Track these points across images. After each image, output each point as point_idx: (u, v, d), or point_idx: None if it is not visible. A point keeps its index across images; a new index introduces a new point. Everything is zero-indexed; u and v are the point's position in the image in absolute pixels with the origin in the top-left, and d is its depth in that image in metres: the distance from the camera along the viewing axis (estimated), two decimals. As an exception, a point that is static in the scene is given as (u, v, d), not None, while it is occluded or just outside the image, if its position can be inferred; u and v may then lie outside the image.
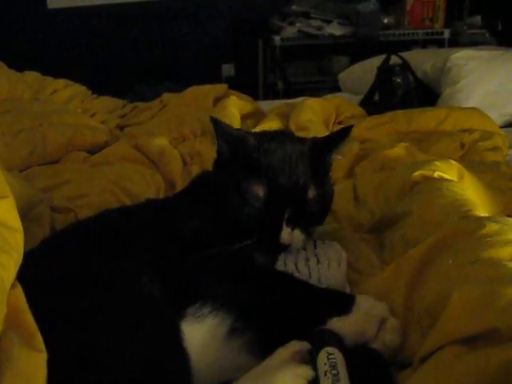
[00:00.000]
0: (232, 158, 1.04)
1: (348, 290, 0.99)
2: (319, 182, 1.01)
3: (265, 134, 1.10)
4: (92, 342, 0.73)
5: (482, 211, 1.08)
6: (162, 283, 0.85)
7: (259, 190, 0.97)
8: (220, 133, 1.05)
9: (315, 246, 1.04)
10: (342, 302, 0.85)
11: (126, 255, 0.90)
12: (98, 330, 0.74)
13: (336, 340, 0.77)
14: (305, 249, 1.01)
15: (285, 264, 0.99)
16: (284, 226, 0.96)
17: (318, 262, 0.98)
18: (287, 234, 0.96)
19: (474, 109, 2.12)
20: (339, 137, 1.06)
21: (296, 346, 0.79)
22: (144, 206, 1.14)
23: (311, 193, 0.99)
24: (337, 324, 0.81)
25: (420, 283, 0.86)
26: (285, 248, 0.98)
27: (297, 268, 0.98)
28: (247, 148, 1.01)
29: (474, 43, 3.87)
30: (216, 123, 1.05)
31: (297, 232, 0.98)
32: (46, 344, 0.66)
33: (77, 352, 0.71)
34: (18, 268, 0.77)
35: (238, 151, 1.03)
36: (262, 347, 0.81)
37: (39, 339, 0.66)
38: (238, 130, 1.10)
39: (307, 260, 0.99)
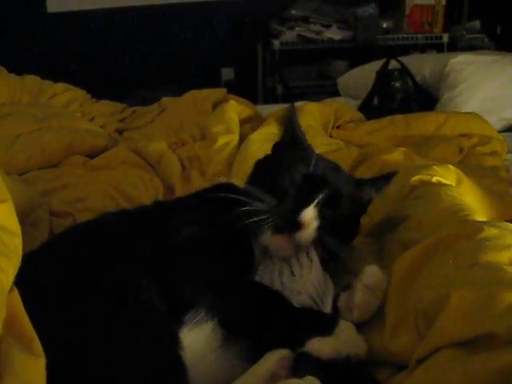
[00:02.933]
0: (289, 149, 1.10)
1: (330, 289, 0.96)
2: (354, 206, 1.05)
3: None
4: (91, 348, 0.73)
5: (480, 216, 1.08)
6: (160, 289, 0.85)
7: (306, 169, 1.01)
8: (292, 125, 1.14)
9: None
10: (323, 324, 0.84)
11: (124, 260, 0.90)
12: (98, 336, 0.74)
13: (315, 367, 0.78)
14: (272, 261, 0.98)
15: (261, 279, 0.96)
16: (313, 205, 0.96)
17: (292, 273, 0.95)
18: (310, 213, 0.95)
19: (472, 113, 2.12)
20: (383, 180, 1.11)
21: (282, 352, 0.79)
22: (145, 210, 1.13)
23: (346, 200, 1.02)
24: (315, 345, 0.81)
25: (415, 284, 0.86)
26: (296, 229, 0.95)
27: (272, 284, 0.95)
28: (307, 147, 1.11)
29: (472, 48, 3.88)
30: (291, 115, 1.14)
31: (316, 222, 0.96)
32: (45, 349, 0.66)
33: (76, 358, 0.71)
34: (16, 272, 0.77)
35: (297, 147, 1.10)
36: (258, 353, 0.81)
37: (37, 344, 0.66)
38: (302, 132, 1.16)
39: (281, 274, 0.95)
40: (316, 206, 0.96)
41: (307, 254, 0.98)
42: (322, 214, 0.97)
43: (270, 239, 0.97)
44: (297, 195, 0.98)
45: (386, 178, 1.10)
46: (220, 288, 0.91)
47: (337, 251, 1.01)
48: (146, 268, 0.88)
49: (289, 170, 1.01)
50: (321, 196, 0.97)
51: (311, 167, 1.01)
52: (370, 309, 0.89)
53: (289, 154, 1.08)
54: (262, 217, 0.95)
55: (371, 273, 0.90)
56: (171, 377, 0.75)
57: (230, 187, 1.12)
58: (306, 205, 0.95)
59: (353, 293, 0.89)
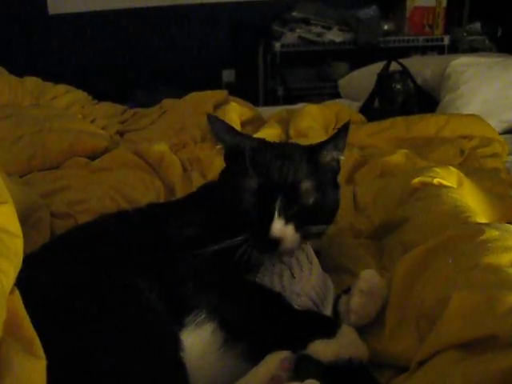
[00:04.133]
0: (230, 158, 1.05)
1: (331, 291, 0.97)
2: (318, 181, 0.99)
3: (263, 140, 1.11)
4: (91, 349, 0.72)
5: (481, 218, 1.08)
6: (160, 291, 0.85)
7: (251, 182, 0.96)
8: (218, 132, 1.05)
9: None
10: (325, 327, 0.84)
11: (124, 262, 0.90)
12: (98, 338, 0.74)
13: (316, 370, 0.78)
14: (272, 263, 0.97)
15: (261, 281, 0.95)
16: (276, 217, 0.93)
17: (293, 275, 0.94)
18: (278, 226, 0.92)
19: (473, 115, 2.13)
20: (336, 134, 1.06)
21: (283, 353, 0.79)
22: (142, 211, 1.13)
23: (305, 185, 0.97)
24: (317, 347, 0.81)
25: (417, 286, 0.86)
26: (276, 246, 0.93)
27: (273, 286, 0.94)
28: (243, 147, 1.01)
29: (473, 50, 3.88)
30: (214, 123, 1.05)
31: (290, 228, 0.94)
32: (46, 351, 0.66)
33: (76, 360, 0.71)
34: (17, 273, 0.77)
35: (235, 151, 1.03)
36: (259, 355, 0.81)
37: (38, 346, 0.66)
38: (235, 131, 1.09)
39: (281, 277, 0.94)
40: (280, 214, 0.93)
41: (307, 255, 0.98)
42: (291, 216, 0.94)
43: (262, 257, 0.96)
44: (255, 215, 0.95)
45: (340, 133, 1.05)
46: (220, 290, 0.90)
47: (323, 231, 1.03)
48: (146, 270, 0.88)
49: (238, 191, 0.97)
50: (279, 204, 0.94)
51: (254, 178, 0.96)
52: (367, 314, 0.88)
53: (235, 168, 1.01)
54: (240, 250, 0.92)
55: (367, 278, 0.90)
56: (172, 379, 0.75)
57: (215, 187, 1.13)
58: (269, 221, 0.93)
59: (350, 296, 0.90)
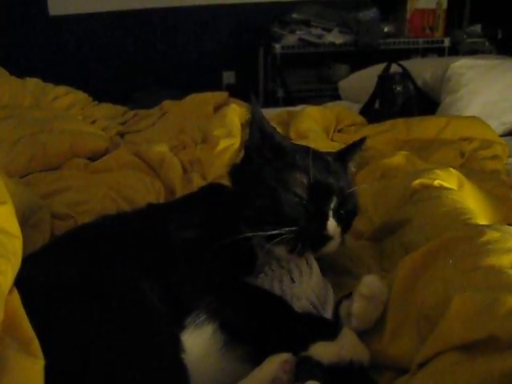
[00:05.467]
0: (263, 150, 1.02)
1: (331, 295, 0.96)
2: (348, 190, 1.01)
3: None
4: (91, 350, 0.72)
5: (481, 219, 1.08)
6: (161, 291, 0.85)
7: (303, 178, 0.95)
8: (256, 120, 1.03)
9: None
10: (326, 329, 0.84)
11: (125, 262, 0.90)
12: (98, 338, 0.74)
13: (318, 371, 0.78)
14: (271, 269, 0.96)
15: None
16: (331, 216, 0.94)
17: (292, 280, 0.94)
18: (333, 225, 0.94)
19: (473, 117, 2.13)
20: (355, 147, 1.09)
21: (284, 355, 0.79)
22: (143, 212, 1.12)
23: (349, 190, 1.00)
24: (318, 349, 0.81)
25: (417, 288, 0.86)
26: (325, 243, 0.95)
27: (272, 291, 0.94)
28: (281, 141, 1.02)
29: (473, 52, 3.88)
30: (254, 108, 1.03)
31: (338, 229, 0.96)
32: (44, 351, 0.66)
33: (76, 360, 0.71)
34: (15, 273, 0.76)
35: (269, 143, 1.02)
36: (260, 357, 0.81)
37: (36, 346, 0.66)
38: (271, 126, 1.07)
39: (281, 282, 0.94)
40: (333, 214, 0.95)
41: (306, 260, 0.97)
42: (340, 218, 0.97)
43: (287, 255, 0.95)
44: (312, 210, 0.94)
45: (359, 145, 1.09)
46: (221, 292, 0.90)
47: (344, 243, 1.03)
48: (147, 271, 0.88)
49: (284, 183, 0.95)
50: (334, 202, 0.96)
51: (310, 174, 0.96)
52: (368, 319, 0.88)
53: (271, 161, 1.00)
54: (280, 238, 0.92)
55: (369, 283, 0.89)
56: (173, 380, 0.75)
57: (219, 188, 1.12)
58: (326, 216, 0.94)
59: (352, 302, 0.89)
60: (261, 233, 0.91)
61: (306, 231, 0.93)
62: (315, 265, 0.97)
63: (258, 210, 0.95)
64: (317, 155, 1.01)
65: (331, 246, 0.96)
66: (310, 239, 0.94)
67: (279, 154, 1.00)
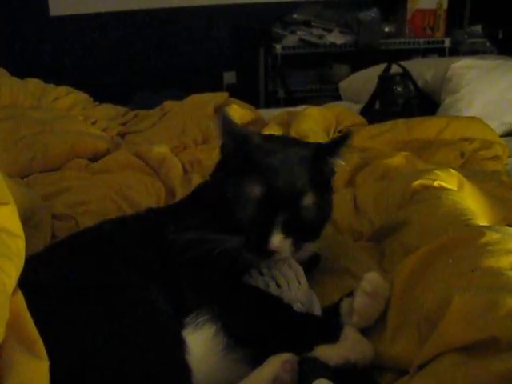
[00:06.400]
0: (234, 156, 1.00)
1: (316, 301, 0.96)
2: (319, 190, 0.97)
3: (270, 136, 1.10)
4: (96, 350, 0.73)
5: (482, 220, 1.09)
6: (166, 292, 0.85)
7: (255, 190, 0.93)
8: (226, 127, 1.01)
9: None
10: (329, 330, 0.85)
11: (129, 264, 0.90)
12: (102, 338, 0.74)
13: (324, 371, 0.78)
14: (262, 273, 0.96)
15: None
16: (275, 231, 0.91)
17: (278, 285, 0.94)
18: (277, 240, 0.91)
19: (474, 118, 2.13)
20: (340, 141, 1.02)
21: (286, 355, 0.80)
22: (144, 217, 1.12)
23: (307, 200, 0.95)
24: (323, 351, 0.81)
25: (417, 288, 0.86)
26: (270, 255, 0.92)
27: None
28: (250, 146, 0.99)
29: (474, 52, 3.88)
30: (223, 117, 1.01)
31: (287, 242, 0.93)
32: (48, 352, 0.66)
33: (80, 360, 0.71)
34: (19, 274, 0.77)
35: (240, 149, 0.99)
36: (261, 358, 0.81)
37: (41, 347, 0.66)
38: (244, 128, 1.07)
39: (267, 286, 0.94)
40: (280, 228, 0.92)
41: (289, 265, 0.97)
42: (290, 231, 0.93)
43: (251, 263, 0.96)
44: (255, 223, 0.93)
45: (342, 139, 1.01)
46: (222, 295, 0.91)
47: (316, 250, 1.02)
48: (151, 272, 0.88)
49: (238, 194, 0.94)
50: (281, 217, 0.92)
51: (258, 185, 0.93)
52: (369, 315, 0.88)
53: (237, 167, 0.98)
54: (230, 255, 0.92)
55: (371, 279, 0.90)
56: (177, 380, 0.75)
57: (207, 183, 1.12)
58: (270, 231, 0.91)
59: (354, 298, 0.90)
60: (215, 245, 0.91)
61: (249, 244, 0.92)
62: (299, 268, 0.98)
63: (218, 218, 0.97)
64: (283, 157, 0.97)
65: (279, 257, 0.94)
66: (253, 253, 0.93)
67: (245, 160, 0.98)
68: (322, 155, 1.01)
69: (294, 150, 1.00)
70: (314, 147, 1.03)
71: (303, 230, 0.96)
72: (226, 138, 1.02)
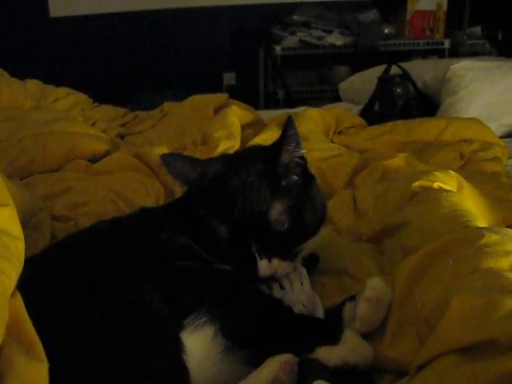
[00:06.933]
0: (194, 196, 0.99)
1: (319, 303, 0.96)
2: (290, 192, 0.94)
3: (222, 159, 1.06)
4: (93, 352, 0.73)
5: (481, 222, 1.09)
6: (163, 293, 0.85)
7: (221, 227, 0.92)
8: (175, 175, 1.00)
9: None
10: (330, 333, 0.84)
11: (126, 265, 0.90)
12: (99, 340, 0.74)
13: (323, 372, 0.78)
14: None
15: None
16: (258, 259, 0.90)
17: (282, 287, 0.94)
18: (265, 267, 0.90)
19: (473, 119, 2.13)
20: (284, 132, 0.98)
21: (285, 356, 0.80)
22: (139, 217, 1.11)
23: (274, 213, 0.91)
24: (323, 352, 0.81)
25: (417, 290, 0.87)
26: (269, 278, 0.92)
27: None
28: (203, 187, 0.96)
29: (474, 53, 3.88)
30: (167, 162, 0.99)
31: (276, 261, 0.91)
32: (48, 354, 0.66)
33: (78, 362, 0.71)
34: (18, 275, 0.77)
35: (195, 190, 0.98)
36: (261, 360, 0.81)
37: (40, 349, 0.66)
38: (193, 166, 1.00)
39: (270, 288, 0.94)
40: (260, 254, 0.90)
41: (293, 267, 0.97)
42: (272, 251, 0.91)
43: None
44: (237, 259, 0.92)
45: (288, 130, 0.97)
46: (221, 297, 0.90)
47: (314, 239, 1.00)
48: (147, 274, 0.88)
49: (212, 228, 0.93)
50: (255, 246, 0.90)
51: (222, 226, 0.91)
52: (372, 322, 0.88)
53: (197, 205, 0.96)
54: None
55: (374, 286, 0.89)
56: (174, 380, 0.75)
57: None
58: (253, 263, 0.90)
59: (356, 305, 0.89)
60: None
61: (240, 272, 0.92)
62: (303, 270, 0.98)
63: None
64: (236, 183, 0.93)
65: (278, 276, 0.93)
66: (250, 279, 0.92)
67: (203, 199, 0.95)
68: (271, 157, 0.96)
69: (246, 168, 0.95)
70: (261, 154, 0.99)
71: (289, 240, 0.93)
72: (181, 182, 1.01)
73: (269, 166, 0.95)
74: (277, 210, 0.92)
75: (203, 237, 0.94)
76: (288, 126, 0.97)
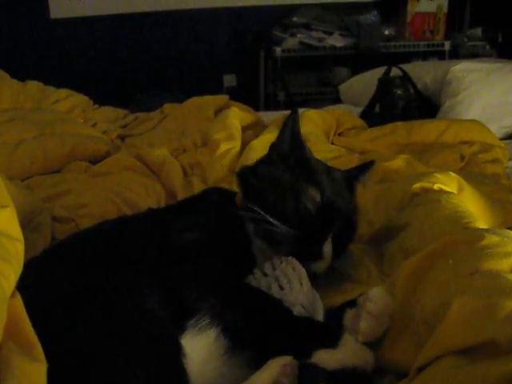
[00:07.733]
0: (289, 157, 1.06)
1: (319, 305, 0.96)
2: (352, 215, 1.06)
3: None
4: (92, 355, 0.73)
5: (481, 223, 1.08)
6: (162, 295, 0.85)
7: (316, 195, 0.99)
8: (292, 128, 1.09)
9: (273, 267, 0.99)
10: (329, 336, 0.84)
11: (125, 267, 0.90)
12: (98, 343, 0.74)
13: (322, 376, 0.78)
14: (265, 274, 0.96)
15: None
16: (329, 239, 0.98)
17: (280, 287, 0.94)
18: (329, 247, 0.98)
19: (474, 121, 2.13)
20: (364, 169, 1.14)
21: (285, 359, 0.79)
22: (144, 216, 1.13)
23: (355, 217, 1.06)
24: (320, 356, 0.80)
25: (417, 291, 0.86)
26: (317, 260, 0.98)
27: None
28: (307, 154, 1.07)
29: (474, 55, 3.89)
30: (294, 115, 1.09)
31: (331, 251, 0.99)
32: (47, 355, 0.66)
33: (77, 365, 0.71)
34: (18, 277, 0.77)
35: (296, 153, 1.06)
36: (262, 362, 0.81)
37: (39, 350, 0.66)
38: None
39: (269, 287, 0.94)
40: (332, 237, 0.99)
41: (293, 267, 0.97)
42: (337, 243, 1.00)
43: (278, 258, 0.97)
44: (314, 226, 0.98)
45: (365, 167, 1.14)
46: (223, 296, 0.90)
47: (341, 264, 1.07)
48: (148, 275, 0.88)
49: (297, 193, 0.99)
50: (337, 226, 0.99)
51: (324, 194, 1.00)
52: (375, 334, 0.87)
53: (293, 169, 1.04)
54: (279, 238, 0.97)
55: (376, 299, 0.87)
56: (173, 383, 0.75)
57: (221, 191, 1.14)
58: (325, 237, 0.98)
59: (358, 317, 0.87)
60: (262, 215, 0.96)
61: (302, 243, 0.97)
62: (303, 271, 0.98)
63: (267, 205, 0.99)
64: (333, 175, 1.06)
65: (319, 267, 1.00)
66: (303, 252, 0.97)
67: (302, 166, 1.04)
68: (353, 180, 1.10)
69: (336, 171, 1.09)
70: (344, 172, 1.12)
71: (344, 243, 1.05)
72: (286, 137, 1.09)
73: (350, 181, 1.10)
74: (356, 217, 1.07)
75: (278, 199, 0.99)
76: (370, 167, 1.16)
